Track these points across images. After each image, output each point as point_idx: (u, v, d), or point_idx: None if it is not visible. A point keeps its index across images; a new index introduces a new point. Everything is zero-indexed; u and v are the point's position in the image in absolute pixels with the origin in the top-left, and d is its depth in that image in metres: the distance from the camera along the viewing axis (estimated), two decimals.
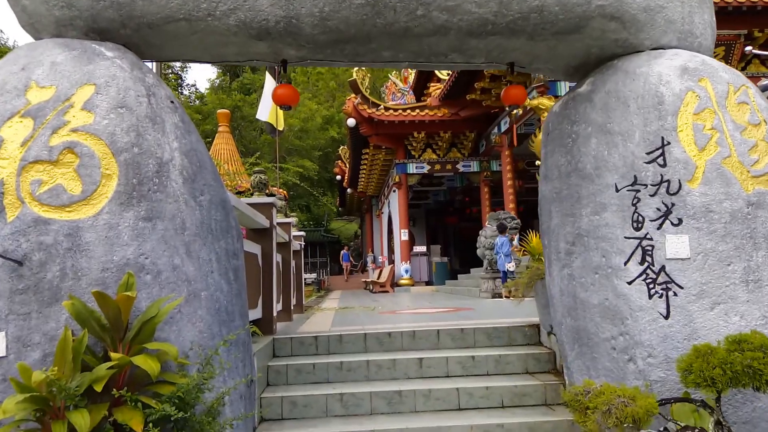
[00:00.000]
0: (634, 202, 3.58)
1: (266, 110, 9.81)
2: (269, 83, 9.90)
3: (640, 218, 3.55)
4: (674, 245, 3.41)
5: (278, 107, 10.40)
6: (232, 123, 33.46)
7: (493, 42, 3.88)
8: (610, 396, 2.99)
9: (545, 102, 13.57)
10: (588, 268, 3.83)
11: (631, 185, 3.61)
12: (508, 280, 10.94)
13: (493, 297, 11.29)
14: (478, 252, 12.03)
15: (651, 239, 3.50)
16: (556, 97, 13.61)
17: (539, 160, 12.82)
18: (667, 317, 3.42)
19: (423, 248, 20.47)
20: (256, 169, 5.68)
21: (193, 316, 3.18)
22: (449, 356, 4.93)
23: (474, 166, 19.84)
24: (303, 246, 9.40)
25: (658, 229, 3.50)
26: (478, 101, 16.96)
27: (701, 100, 3.61)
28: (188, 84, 65.30)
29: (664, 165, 3.54)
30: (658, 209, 3.52)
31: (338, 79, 44.87)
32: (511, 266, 10.56)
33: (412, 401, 4.44)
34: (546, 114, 14.14)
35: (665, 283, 3.44)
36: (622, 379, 3.57)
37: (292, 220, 7.71)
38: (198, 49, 3.80)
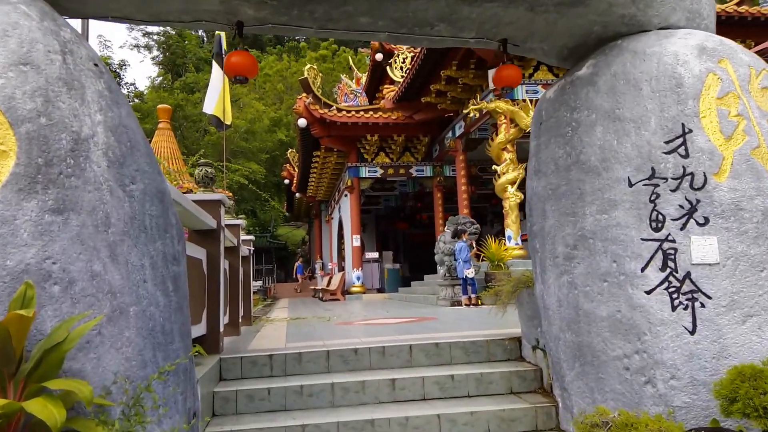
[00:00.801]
0: (652, 199, 3.10)
1: (212, 102, 8.97)
2: (216, 73, 9.07)
3: (660, 217, 3.07)
4: (701, 248, 2.95)
5: (225, 100, 9.67)
6: (173, 123, 31.90)
7: (488, 11, 3.33)
8: (643, 430, 2.46)
9: (502, 105, 13.31)
10: (594, 275, 3.33)
11: (648, 179, 3.13)
12: (469, 287, 10.51)
13: (452, 305, 10.81)
14: (436, 258, 11.54)
15: (673, 241, 3.03)
16: (514, 101, 13.39)
17: (496, 164, 12.43)
18: (693, 332, 2.94)
19: (375, 254, 19.89)
20: (202, 161, 4.91)
21: (118, 339, 2.44)
22: (425, 376, 4.32)
23: (427, 171, 19.46)
24: (252, 251, 8.61)
25: (682, 229, 3.03)
26: (433, 104, 16.59)
27: (723, 83, 3.18)
28: (127, 83, 62.54)
29: (687, 155, 3.08)
30: (681, 206, 3.05)
31: (286, 82, 43.88)
32: (470, 273, 10.11)
33: None
34: (502, 118, 13.93)
35: (691, 292, 2.97)
36: (638, 404, 3.07)
37: (241, 222, 6.93)
38: (131, 4, 3.05)
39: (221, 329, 4.90)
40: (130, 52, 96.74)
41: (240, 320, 6.84)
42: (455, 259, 10.51)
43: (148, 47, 69.26)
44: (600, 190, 3.34)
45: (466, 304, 10.45)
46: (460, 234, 10.60)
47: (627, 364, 3.14)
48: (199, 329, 4.51)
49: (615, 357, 3.20)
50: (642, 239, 3.10)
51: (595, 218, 3.35)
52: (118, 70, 57.68)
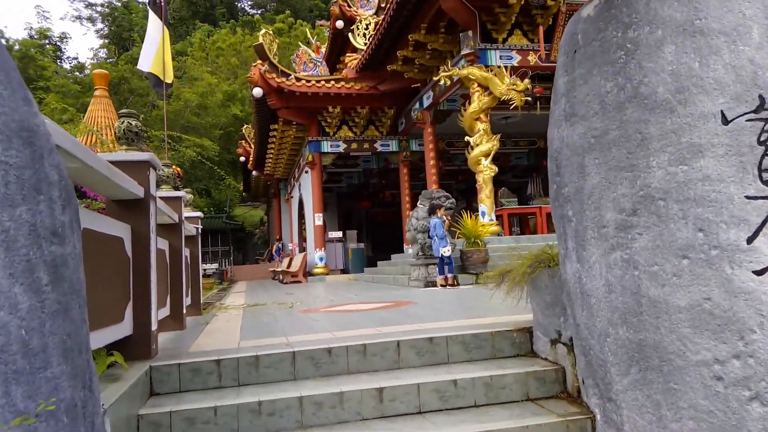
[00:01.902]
0: (762, 139, 2.18)
1: (149, 58, 7.64)
2: (154, 24, 7.74)
3: None
4: None
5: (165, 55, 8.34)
6: (118, 97, 29.73)
7: None
8: None
9: (475, 72, 12.38)
10: (667, 249, 2.41)
11: (755, 111, 2.21)
12: (446, 267, 9.63)
13: (426, 286, 9.92)
14: (408, 236, 10.61)
15: None
16: (487, 66, 12.48)
17: (469, 135, 11.50)
18: None
19: (338, 234, 18.84)
20: (124, 111, 3.75)
21: None
22: (421, 382, 3.36)
23: (393, 146, 18.45)
24: (200, 230, 7.44)
25: None
26: (399, 73, 15.51)
27: None
28: (69, 57, 58.81)
29: None
30: None
31: (241, 56, 41.86)
32: (446, 251, 9.23)
33: None
34: (474, 85, 13.00)
35: None
36: (736, 428, 2.19)
37: (184, 194, 5.76)
38: None
39: (154, 327, 3.80)
40: (72, 24, 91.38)
41: (185, 311, 5.72)
42: (429, 237, 9.60)
43: (91, 19, 65.30)
44: (674, 132, 2.41)
45: (442, 285, 9.58)
46: (436, 209, 9.68)
47: (719, 373, 2.25)
48: (120, 330, 3.41)
49: (699, 362, 2.31)
50: (747, 197, 2.19)
51: (667, 171, 2.42)
52: (58, 43, 54.05)
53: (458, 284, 9.84)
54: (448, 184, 26.19)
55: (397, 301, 7.42)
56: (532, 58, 12.84)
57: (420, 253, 10.15)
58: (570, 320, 3.30)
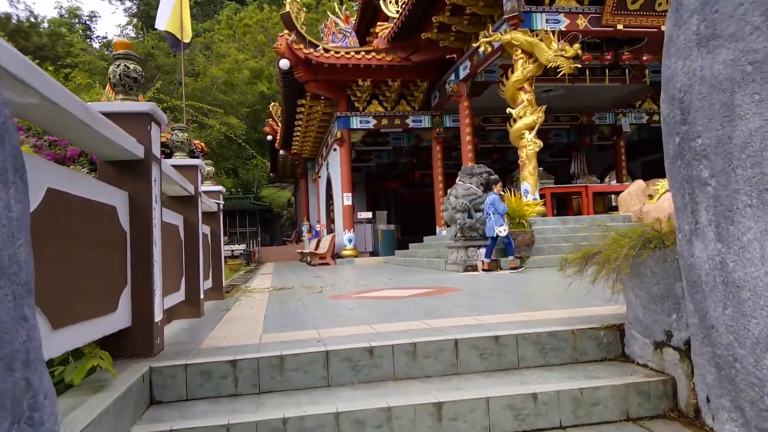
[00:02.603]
0: None
1: (165, 15, 6.96)
2: None
3: None
4: None
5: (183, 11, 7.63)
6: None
7: None
8: None
9: (519, 37, 11.38)
10: None
11: None
12: (499, 249, 8.81)
13: (465, 270, 9.13)
14: (445, 215, 9.81)
15: None
16: (532, 31, 11.45)
17: (511, 107, 10.56)
18: None
19: (368, 215, 18.13)
20: (119, 52, 3.05)
21: None
22: (490, 396, 2.60)
23: (425, 122, 17.55)
24: (221, 207, 6.78)
25: None
26: (434, 42, 14.58)
27: None
28: (98, 36, 59.12)
29: None
30: None
31: (268, 33, 41.13)
32: (503, 230, 8.42)
33: None
34: (519, 52, 12.01)
35: None
36: None
37: (201, 162, 5.06)
38: None
39: (158, 317, 3.13)
40: (101, 2, 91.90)
41: (203, 296, 5.07)
42: (486, 214, 8.77)
43: None
44: None
45: (483, 270, 8.76)
46: (492, 184, 8.94)
47: None
48: (112, 322, 2.73)
49: None
50: None
51: None
52: (88, 22, 54.20)
53: (499, 269, 9.04)
54: (482, 163, 25.21)
55: (438, 287, 6.66)
56: (582, 22, 11.76)
57: (459, 235, 9.35)
58: (690, 318, 2.49)
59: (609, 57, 13.06)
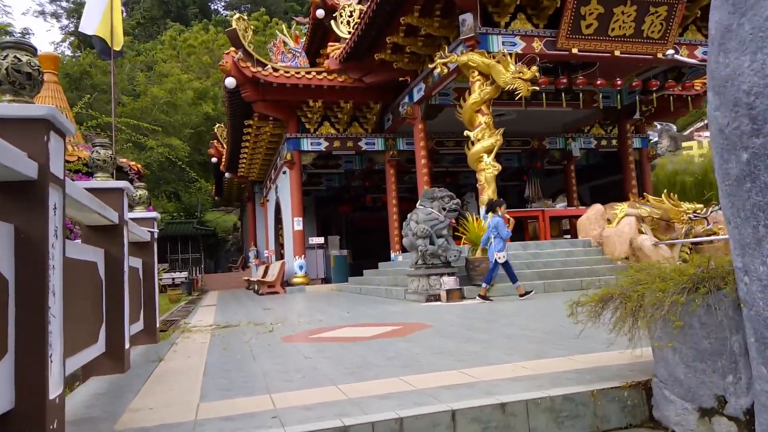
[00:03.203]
0: None
1: (95, 19, 6.14)
2: None
3: None
4: None
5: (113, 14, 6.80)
6: (79, 92, 27.73)
7: None
8: None
9: (476, 58, 11.09)
10: None
11: None
12: (493, 276, 8.23)
13: (428, 300, 8.53)
14: (405, 241, 9.21)
15: None
16: (489, 53, 11.19)
17: (469, 130, 10.20)
18: None
19: (320, 240, 17.33)
20: (7, 40, 2.36)
21: None
22: None
23: (379, 144, 17.06)
24: (155, 236, 5.91)
25: None
26: (388, 63, 14.17)
27: None
28: None
29: None
30: None
31: (213, 54, 40.07)
32: (501, 256, 7.91)
33: None
34: (476, 74, 11.71)
35: None
36: None
37: (128, 185, 4.22)
38: None
39: (54, 392, 2.31)
40: (35, 19, 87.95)
41: (128, 345, 4.20)
42: (487, 237, 8.27)
43: (56, 15, 62.59)
44: None
45: (480, 296, 8.10)
46: (496, 207, 8.41)
47: None
48: None
49: None
50: None
51: None
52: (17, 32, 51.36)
53: (464, 297, 8.49)
54: (435, 187, 24.89)
55: (403, 323, 6.00)
56: (537, 45, 11.62)
57: (420, 262, 8.77)
58: (759, 384, 1.94)
59: (564, 81, 12.99)
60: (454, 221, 8.87)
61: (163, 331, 7.08)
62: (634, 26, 11.87)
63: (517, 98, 11.06)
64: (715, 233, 10.45)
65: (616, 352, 3.25)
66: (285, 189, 17.48)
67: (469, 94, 11.42)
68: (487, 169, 11.06)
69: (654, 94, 14.11)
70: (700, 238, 10.28)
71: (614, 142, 19.69)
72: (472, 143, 11.27)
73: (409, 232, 8.83)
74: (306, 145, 16.43)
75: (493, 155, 11.13)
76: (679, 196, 11.22)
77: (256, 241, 26.86)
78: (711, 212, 10.57)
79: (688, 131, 53.47)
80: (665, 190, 11.74)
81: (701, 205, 10.72)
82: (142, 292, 5.59)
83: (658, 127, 23.09)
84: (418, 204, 9.00)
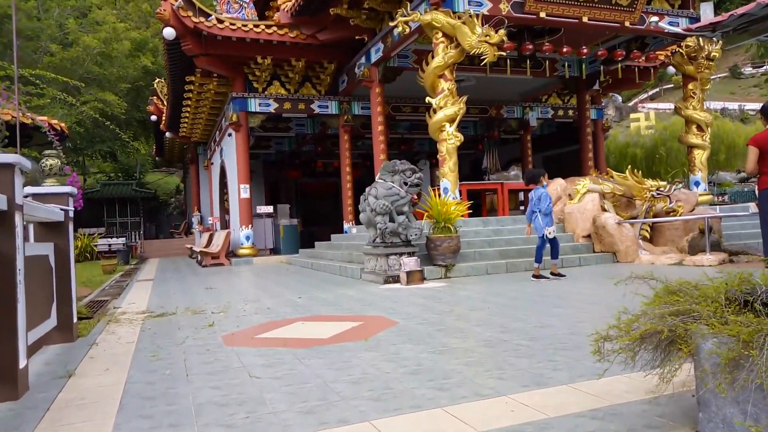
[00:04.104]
0: None
1: None
2: None
3: None
4: None
5: None
6: (0, 39, 25.08)
7: None
8: None
9: (441, 18, 10.29)
10: None
11: None
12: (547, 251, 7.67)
13: (386, 282, 7.92)
14: (362, 217, 8.51)
15: None
16: (454, 13, 10.39)
17: (430, 96, 9.49)
18: None
19: (269, 209, 16.37)
20: None
21: None
22: None
23: (332, 108, 16.08)
24: (71, 213, 4.95)
25: None
26: (344, 19, 13.13)
27: None
28: None
29: None
30: None
31: (154, 2, 37.19)
32: (551, 231, 7.37)
33: None
34: (440, 35, 10.92)
35: None
36: None
37: (17, 159, 3.28)
38: None
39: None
40: None
41: (23, 364, 3.35)
42: (532, 211, 7.58)
43: None
44: None
45: (535, 276, 7.56)
46: (539, 177, 7.65)
47: None
48: None
49: None
50: None
51: None
52: None
53: (424, 279, 7.93)
54: (390, 154, 23.99)
55: (363, 316, 5.34)
56: (505, 7, 10.87)
57: (379, 240, 8.11)
58: None
59: (530, 47, 12.39)
60: (415, 196, 8.20)
61: (86, 319, 6.20)
62: None
63: (482, 63, 10.38)
64: (675, 211, 10.27)
65: (623, 377, 2.71)
66: (231, 153, 16.32)
67: (432, 57, 10.64)
68: (449, 140, 10.41)
69: (619, 64, 13.72)
70: (662, 219, 10.07)
71: (571, 112, 19.44)
72: (434, 111, 10.56)
73: (367, 207, 8.12)
74: (254, 105, 15.27)
75: (455, 125, 10.48)
76: (630, 169, 10.95)
77: (200, 206, 25.51)
78: (674, 190, 10.36)
79: (632, 102, 54.62)
80: (629, 166, 11.47)
81: (664, 183, 10.49)
82: (54, 282, 4.69)
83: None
84: (377, 177, 8.28)
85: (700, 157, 13.32)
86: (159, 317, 6.04)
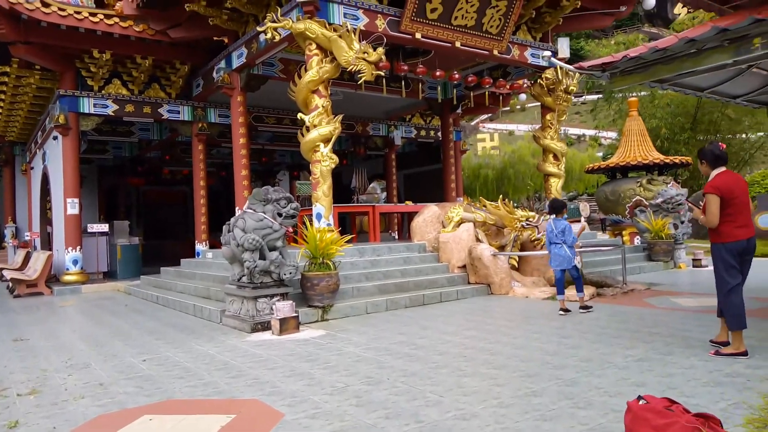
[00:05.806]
0: None
1: None
2: None
3: None
4: None
5: None
6: None
7: None
8: None
9: (315, 29, 9.38)
10: None
11: None
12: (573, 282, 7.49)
13: (254, 330, 6.74)
14: (224, 251, 7.23)
15: None
16: (330, 24, 9.55)
17: (303, 112, 8.53)
18: None
19: (103, 227, 14.01)
20: None
21: None
22: None
23: (185, 114, 14.31)
24: None
25: None
26: (202, 18, 11.65)
27: None
28: None
29: None
30: None
31: None
32: (579, 261, 7.24)
33: None
34: (314, 47, 9.97)
35: None
36: None
37: None
38: None
39: None
40: None
41: None
42: (555, 243, 7.24)
43: None
44: None
45: (563, 310, 7.14)
46: (561, 208, 7.44)
47: None
48: None
49: None
50: None
51: None
52: None
53: (299, 326, 6.90)
54: (260, 171, 22.28)
55: (233, 400, 4.18)
56: (381, 23, 10.31)
57: (246, 280, 6.91)
58: None
59: (405, 67, 12.00)
60: (291, 229, 7.16)
61: None
62: (476, 18, 11.29)
63: (359, 81, 9.66)
64: (539, 240, 10.41)
65: None
66: (56, 160, 13.72)
67: (305, 69, 9.67)
68: (324, 161, 9.52)
69: (486, 91, 13.93)
70: (532, 252, 10.11)
71: (432, 132, 19.66)
72: (307, 129, 9.59)
73: (232, 241, 6.89)
74: (87, 106, 12.99)
75: (330, 145, 9.62)
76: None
77: (15, 216, 21.56)
78: (542, 221, 10.52)
79: (474, 122, 58.36)
80: (500, 196, 11.51)
81: (533, 213, 10.62)
82: None
83: None
84: (245, 206, 7.07)
85: (556, 185, 13.94)
86: None
